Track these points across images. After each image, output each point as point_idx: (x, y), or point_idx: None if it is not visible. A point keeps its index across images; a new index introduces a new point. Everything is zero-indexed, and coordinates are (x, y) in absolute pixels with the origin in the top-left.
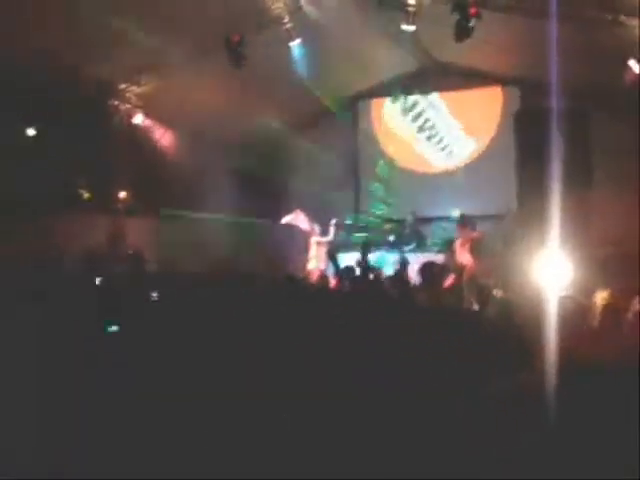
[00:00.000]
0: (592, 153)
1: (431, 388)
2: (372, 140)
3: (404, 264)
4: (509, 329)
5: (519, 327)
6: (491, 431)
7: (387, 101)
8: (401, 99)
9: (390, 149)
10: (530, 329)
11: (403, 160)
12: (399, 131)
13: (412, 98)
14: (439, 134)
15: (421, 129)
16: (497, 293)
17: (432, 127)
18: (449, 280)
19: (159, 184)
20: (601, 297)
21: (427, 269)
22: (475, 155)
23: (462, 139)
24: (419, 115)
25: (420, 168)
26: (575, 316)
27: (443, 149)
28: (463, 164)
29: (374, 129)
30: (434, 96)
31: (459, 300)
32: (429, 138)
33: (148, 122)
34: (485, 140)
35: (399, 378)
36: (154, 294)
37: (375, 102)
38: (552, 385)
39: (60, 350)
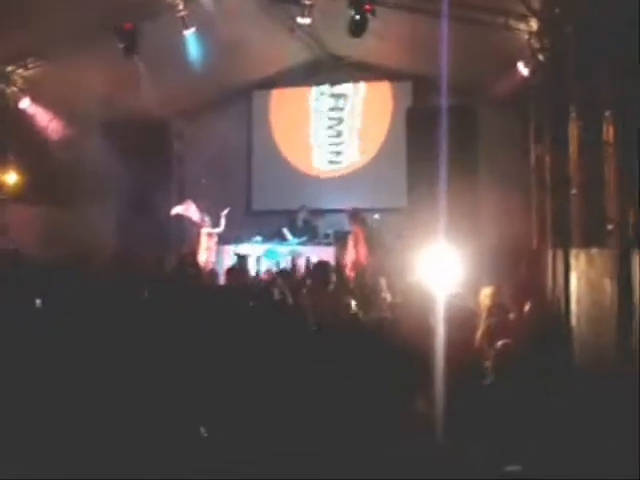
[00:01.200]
0: (479, 150)
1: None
2: (265, 132)
3: (294, 259)
4: (394, 336)
5: (405, 334)
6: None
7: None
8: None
9: (281, 144)
10: (417, 334)
11: (294, 159)
12: (295, 127)
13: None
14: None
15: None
16: (385, 296)
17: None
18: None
19: (46, 170)
20: (485, 294)
21: (319, 268)
22: (367, 152)
23: (356, 137)
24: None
25: (310, 171)
26: (462, 316)
27: (336, 153)
28: (353, 168)
29: (268, 121)
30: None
31: (346, 302)
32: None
33: (35, 106)
34: (379, 135)
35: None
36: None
37: (271, 93)
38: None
39: None
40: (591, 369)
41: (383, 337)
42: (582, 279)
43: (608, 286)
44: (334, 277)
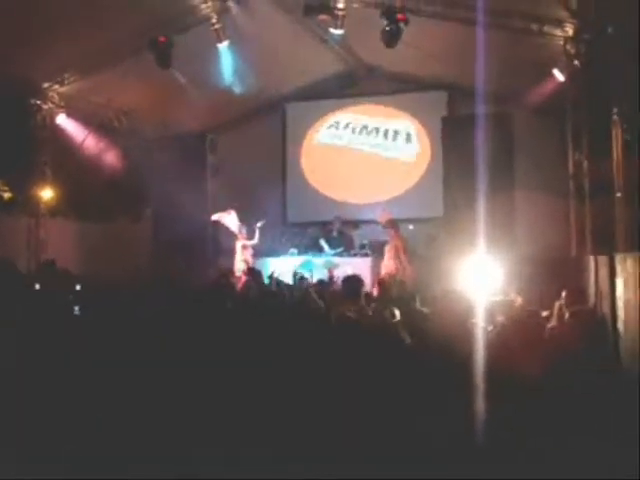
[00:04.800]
0: (516, 158)
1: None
2: (298, 144)
3: (330, 271)
4: (432, 347)
5: (443, 345)
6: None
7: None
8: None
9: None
10: (454, 345)
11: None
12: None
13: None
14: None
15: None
16: (419, 307)
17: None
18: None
19: (81, 186)
20: (521, 300)
21: (350, 282)
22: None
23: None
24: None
25: (339, 197)
26: (501, 322)
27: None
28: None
29: (302, 133)
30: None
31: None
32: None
33: (71, 122)
34: (415, 145)
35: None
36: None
37: (303, 105)
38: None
39: None
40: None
41: (425, 344)
42: (629, 283)
43: None
44: (364, 290)
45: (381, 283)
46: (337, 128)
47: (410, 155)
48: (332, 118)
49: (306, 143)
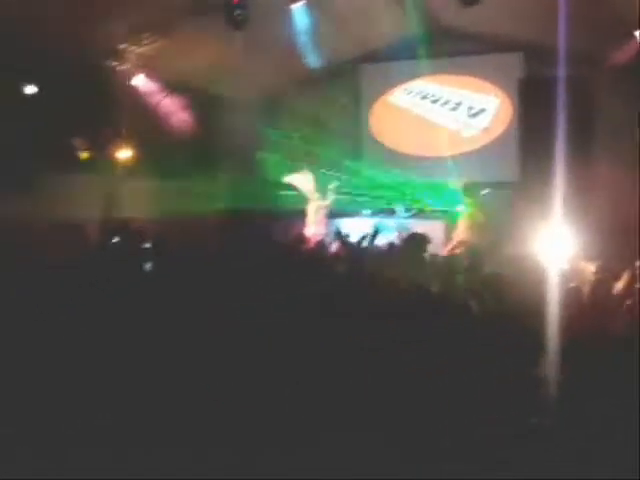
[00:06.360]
0: (595, 123)
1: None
2: (370, 109)
3: (402, 234)
4: (504, 307)
5: (516, 306)
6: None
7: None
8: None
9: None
10: (528, 308)
11: (397, 143)
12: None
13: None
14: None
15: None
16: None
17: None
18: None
19: (158, 145)
20: (594, 268)
21: (415, 239)
22: (481, 132)
23: (469, 113)
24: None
25: (412, 158)
26: (575, 288)
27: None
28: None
29: (377, 95)
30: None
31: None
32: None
33: (148, 83)
34: (490, 110)
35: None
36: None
37: (377, 68)
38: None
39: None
40: None
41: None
42: None
43: None
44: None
45: (453, 249)
46: (412, 94)
47: (485, 120)
48: (406, 83)
49: (379, 105)
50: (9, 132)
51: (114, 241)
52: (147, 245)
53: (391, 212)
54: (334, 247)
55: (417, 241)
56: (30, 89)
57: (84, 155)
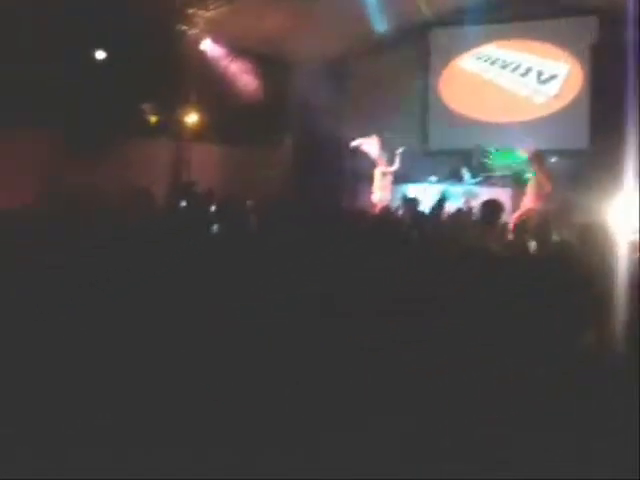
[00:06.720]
0: None
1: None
2: (440, 74)
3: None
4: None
5: (586, 276)
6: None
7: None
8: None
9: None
10: (598, 277)
11: (467, 108)
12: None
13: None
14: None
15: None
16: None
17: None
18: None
19: (225, 111)
20: None
21: (488, 207)
22: (551, 98)
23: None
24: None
25: (482, 124)
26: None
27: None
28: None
29: (445, 64)
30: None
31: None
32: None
33: (216, 47)
34: (562, 76)
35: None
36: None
37: (448, 32)
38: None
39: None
40: None
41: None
42: None
43: None
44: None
45: (520, 218)
46: (482, 59)
47: (555, 86)
48: (477, 49)
49: (448, 71)
50: (81, 97)
51: (181, 205)
52: (213, 209)
53: (458, 178)
54: (401, 213)
55: (491, 208)
56: (100, 54)
57: (153, 119)
